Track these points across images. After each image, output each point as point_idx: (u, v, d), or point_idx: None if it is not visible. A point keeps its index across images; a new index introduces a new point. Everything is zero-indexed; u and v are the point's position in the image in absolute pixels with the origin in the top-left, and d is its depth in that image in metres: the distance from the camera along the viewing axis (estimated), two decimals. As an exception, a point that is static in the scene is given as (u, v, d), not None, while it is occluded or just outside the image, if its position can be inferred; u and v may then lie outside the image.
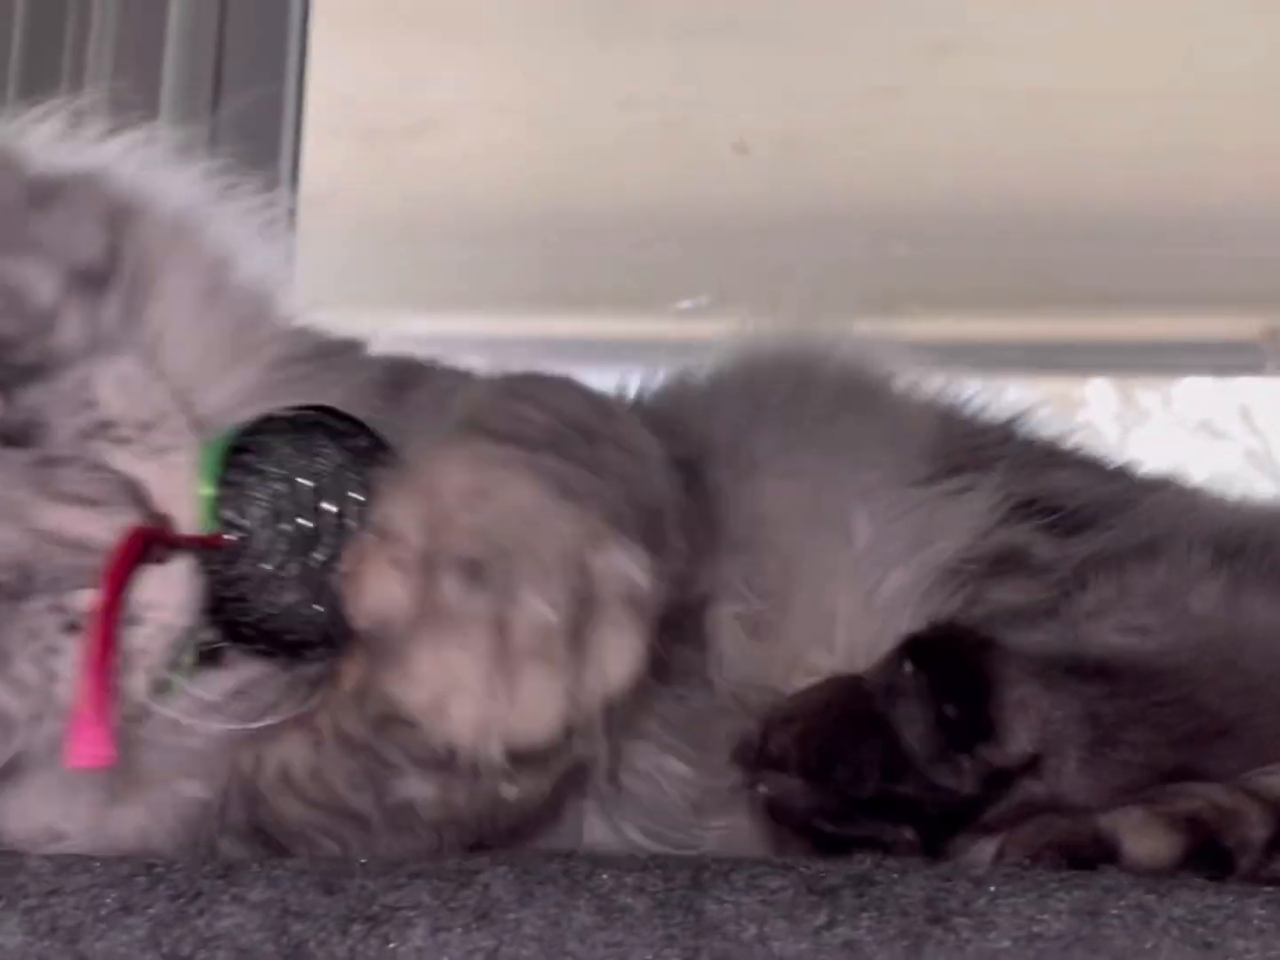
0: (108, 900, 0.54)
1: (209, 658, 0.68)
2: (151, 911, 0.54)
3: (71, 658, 0.63)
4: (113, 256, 0.72)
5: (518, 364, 0.77)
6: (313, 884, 0.54)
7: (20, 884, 0.56)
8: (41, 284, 0.69)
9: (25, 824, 0.67)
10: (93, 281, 0.70)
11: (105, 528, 0.62)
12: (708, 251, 2.66)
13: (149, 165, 0.81)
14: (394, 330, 0.90)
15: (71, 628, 0.63)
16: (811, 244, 2.63)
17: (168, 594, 0.64)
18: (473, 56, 2.52)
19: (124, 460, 0.65)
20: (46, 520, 0.62)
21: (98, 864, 0.58)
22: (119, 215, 0.74)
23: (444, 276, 2.46)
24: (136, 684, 0.64)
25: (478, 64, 2.52)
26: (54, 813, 0.68)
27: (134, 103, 0.88)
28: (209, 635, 0.67)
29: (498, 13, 2.54)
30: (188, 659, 0.67)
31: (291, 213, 1.56)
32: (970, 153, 2.55)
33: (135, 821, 0.69)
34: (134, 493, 0.64)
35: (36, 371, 0.67)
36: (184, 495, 0.65)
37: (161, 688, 0.66)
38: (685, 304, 1.96)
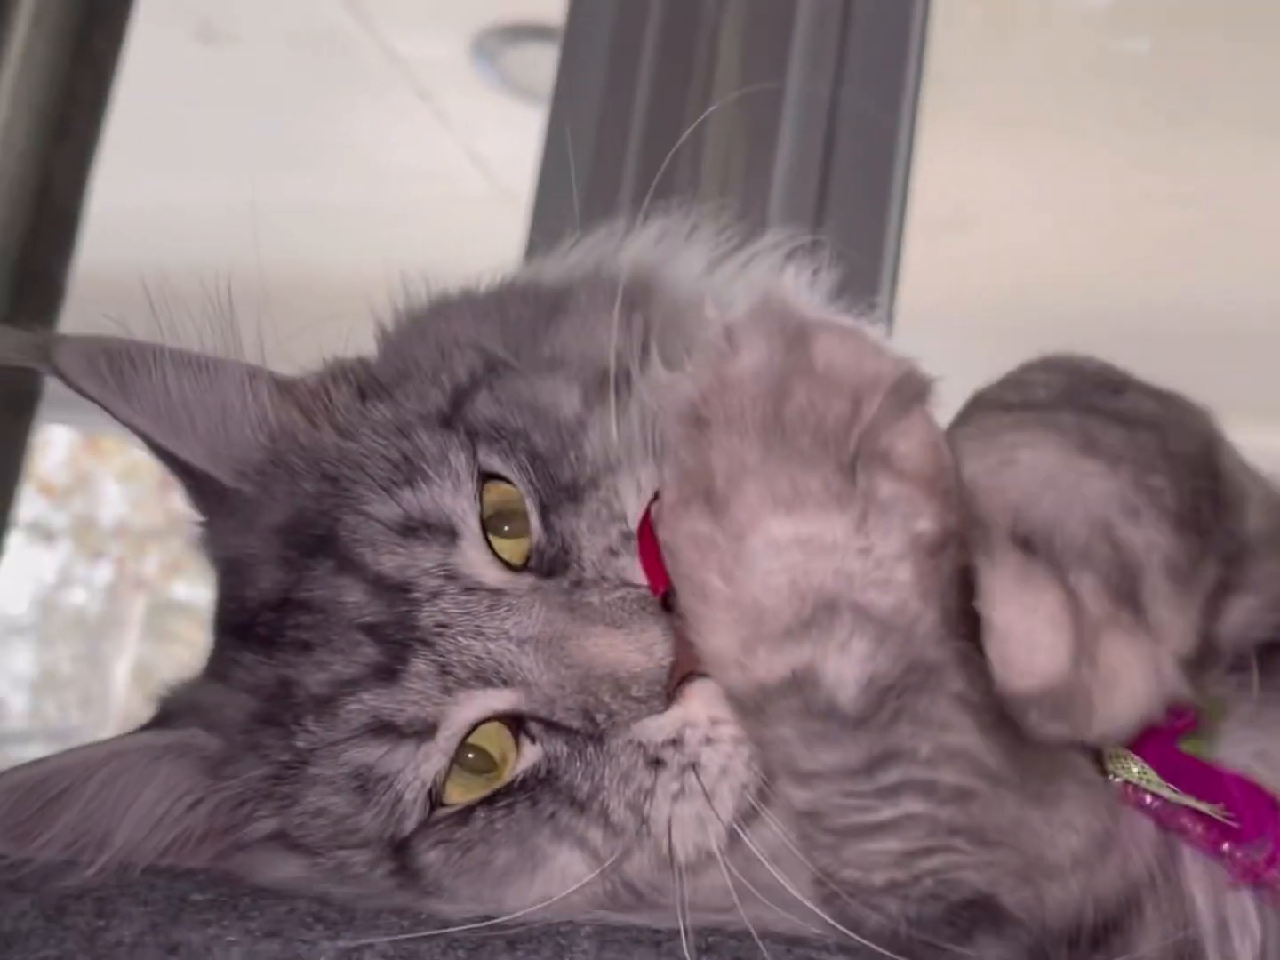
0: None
1: None
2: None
3: (659, 798, 0.60)
4: (632, 354, 0.69)
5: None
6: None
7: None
8: (568, 397, 0.67)
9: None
10: (607, 387, 0.68)
11: (637, 648, 0.60)
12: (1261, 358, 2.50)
13: (676, 245, 0.78)
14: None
15: (655, 763, 0.60)
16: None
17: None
18: (1021, 148, 2.46)
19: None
20: (587, 651, 0.60)
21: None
22: (632, 306, 0.71)
23: (967, 372, 2.40)
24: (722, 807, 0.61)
25: (1024, 156, 2.46)
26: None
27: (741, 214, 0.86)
28: None
29: (1053, 104, 2.46)
30: None
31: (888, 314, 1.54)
32: None
33: None
34: (658, 606, 0.61)
35: (569, 492, 0.65)
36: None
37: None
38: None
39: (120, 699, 4.02)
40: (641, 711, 0.60)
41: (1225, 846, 0.58)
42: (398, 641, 0.62)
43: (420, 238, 2.74)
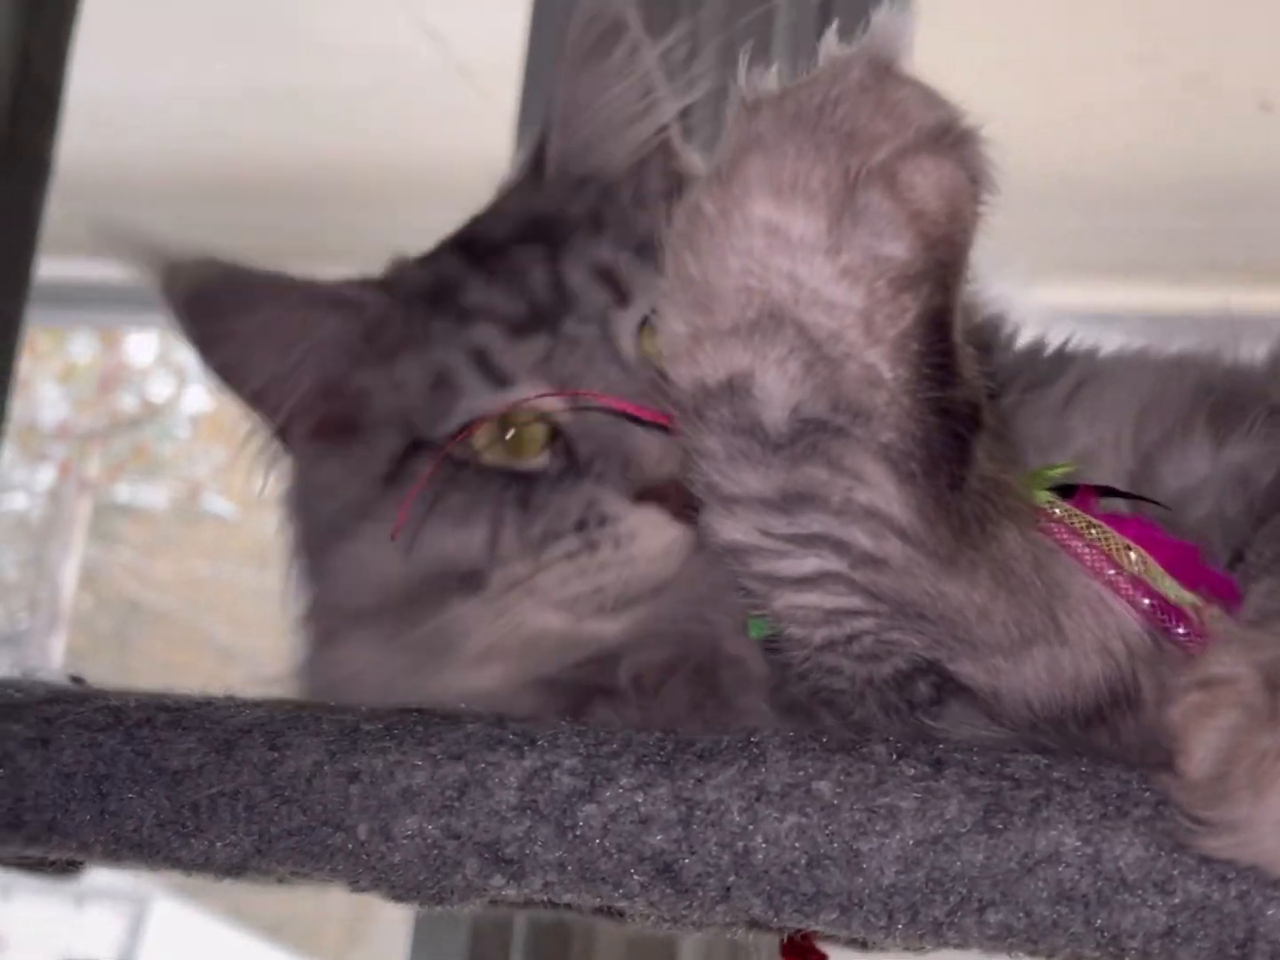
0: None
1: None
2: None
3: None
4: None
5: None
6: None
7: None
8: None
9: None
10: None
11: None
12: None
13: None
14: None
15: None
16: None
17: None
18: (976, 7, 2.43)
19: None
20: None
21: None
22: None
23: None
24: None
25: (982, 11, 2.43)
26: None
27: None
28: None
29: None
30: None
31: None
32: None
33: None
34: None
35: None
36: None
37: None
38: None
39: (68, 602, 3.98)
40: None
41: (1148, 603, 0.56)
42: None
43: (376, 119, 2.68)
